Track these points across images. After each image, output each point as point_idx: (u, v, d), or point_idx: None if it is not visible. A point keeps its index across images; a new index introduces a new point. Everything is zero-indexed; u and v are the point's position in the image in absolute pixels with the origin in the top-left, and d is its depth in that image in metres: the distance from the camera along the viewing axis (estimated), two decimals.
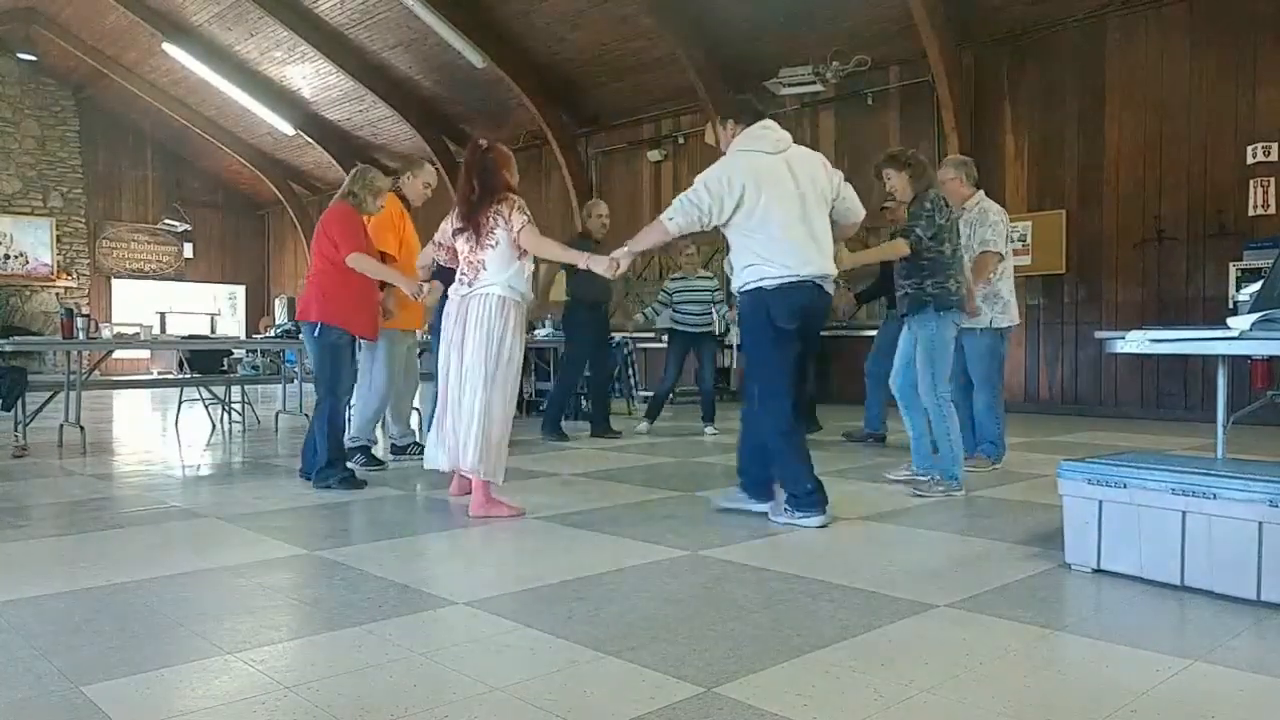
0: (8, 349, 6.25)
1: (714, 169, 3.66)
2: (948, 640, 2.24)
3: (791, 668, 2.03)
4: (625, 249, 3.79)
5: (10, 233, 16.86)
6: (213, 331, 12.59)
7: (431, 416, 4.42)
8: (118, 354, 14.26)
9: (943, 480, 4.28)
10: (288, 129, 15.41)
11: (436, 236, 4.23)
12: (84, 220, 17.72)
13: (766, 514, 3.71)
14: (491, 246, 4.00)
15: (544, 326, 8.88)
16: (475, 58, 11.62)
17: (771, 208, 3.56)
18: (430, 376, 4.84)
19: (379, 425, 5.52)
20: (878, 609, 2.47)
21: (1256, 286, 3.18)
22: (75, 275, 17.50)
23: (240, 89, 14.62)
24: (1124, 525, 2.73)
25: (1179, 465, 2.77)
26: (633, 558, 3.09)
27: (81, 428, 6.44)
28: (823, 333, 4.20)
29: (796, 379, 3.67)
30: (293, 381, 8.43)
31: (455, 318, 4.06)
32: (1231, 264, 7.86)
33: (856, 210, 3.86)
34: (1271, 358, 6.80)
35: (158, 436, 7.51)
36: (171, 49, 13.91)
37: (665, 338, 7.90)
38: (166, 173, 18.90)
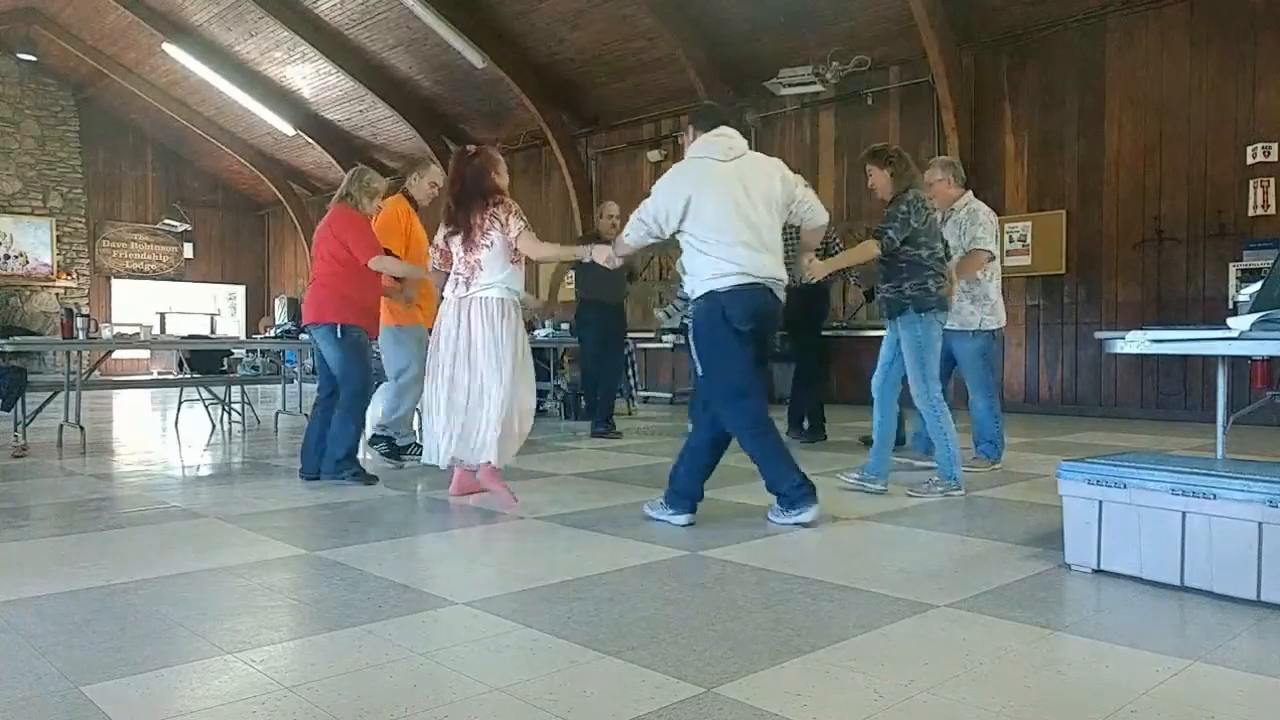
0: (8, 349, 6.26)
1: (661, 180, 3.77)
2: (948, 640, 2.24)
3: (791, 668, 2.03)
4: (608, 251, 3.99)
5: (10, 233, 16.85)
6: (212, 332, 12.59)
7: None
8: (118, 354, 14.26)
9: (942, 480, 4.28)
10: (288, 129, 15.41)
11: (435, 239, 4.30)
12: (84, 220, 17.71)
13: (691, 524, 3.67)
14: (487, 247, 4.13)
15: (543, 327, 8.88)
16: (475, 58, 11.62)
17: (719, 214, 3.60)
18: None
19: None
20: (878, 609, 2.47)
21: (1256, 287, 3.18)
22: (75, 275, 17.50)
23: (240, 89, 14.62)
24: (1124, 525, 2.73)
25: (1179, 465, 2.77)
26: (633, 558, 3.09)
27: (81, 428, 6.44)
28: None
29: (757, 379, 3.71)
30: (292, 381, 8.43)
31: (456, 320, 4.13)
32: (1231, 264, 7.86)
33: (817, 216, 3.86)
34: (1271, 358, 6.80)
35: (158, 436, 7.51)
36: (171, 49, 13.91)
37: (668, 339, 7.84)
38: (166, 173, 18.90)
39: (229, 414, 7.97)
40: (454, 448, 4.14)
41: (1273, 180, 7.73)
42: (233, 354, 9.09)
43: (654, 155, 12.07)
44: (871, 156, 4.40)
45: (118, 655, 2.12)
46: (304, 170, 17.75)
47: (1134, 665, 2.05)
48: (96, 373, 8.01)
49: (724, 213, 3.58)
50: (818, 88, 10.20)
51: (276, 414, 8.24)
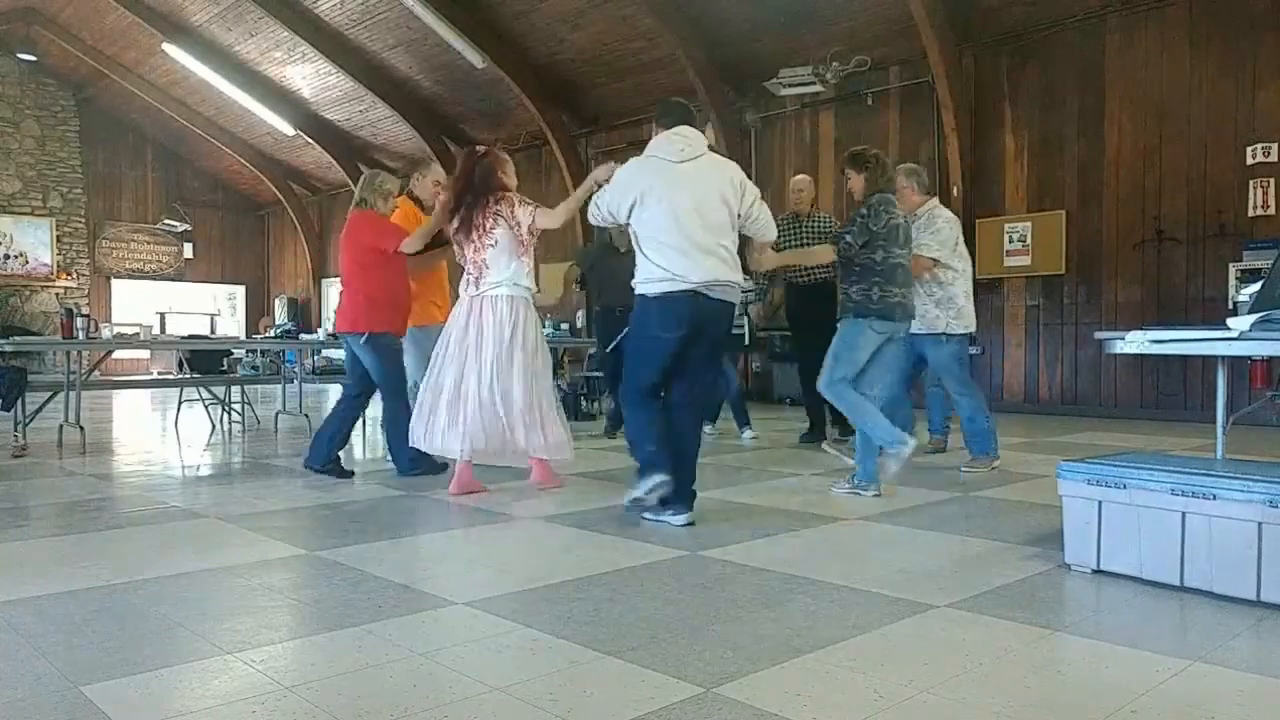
0: (8, 349, 6.26)
1: (618, 173, 3.81)
2: (948, 640, 2.24)
3: (791, 668, 2.03)
4: (607, 168, 3.97)
5: (10, 233, 16.86)
6: (212, 332, 12.60)
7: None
8: (117, 354, 14.26)
9: (846, 479, 4.38)
10: (288, 129, 15.41)
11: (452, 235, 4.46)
12: (84, 220, 17.72)
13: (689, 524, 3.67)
14: (491, 246, 4.24)
15: (543, 326, 8.88)
16: (475, 58, 11.62)
17: (657, 217, 3.63)
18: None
19: None
20: (878, 609, 2.47)
21: (1256, 287, 3.18)
22: (75, 275, 17.50)
23: (240, 89, 14.63)
24: (1124, 525, 2.73)
25: (1179, 465, 2.77)
26: (633, 558, 3.09)
27: (81, 428, 6.44)
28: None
29: (655, 386, 3.73)
30: (292, 381, 8.43)
31: (468, 318, 4.27)
32: (1231, 264, 7.86)
33: (766, 233, 3.90)
34: (1271, 358, 6.80)
35: (158, 436, 7.51)
36: (171, 49, 13.91)
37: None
38: (166, 173, 18.90)
39: (229, 414, 7.97)
40: (468, 444, 4.23)
41: (1273, 180, 7.73)
42: (233, 354, 9.10)
43: None
44: (850, 160, 4.45)
45: (118, 655, 2.12)
46: (304, 170, 17.75)
47: (1134, 665, 2.05)
48: (96, 373, 8.01)
49: (662, 216, 3.62)
50: (818, 88, 10.20)
51: (276, 414, 8.24)
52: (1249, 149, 7.81)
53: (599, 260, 6.70)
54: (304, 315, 18.49)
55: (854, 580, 2.76)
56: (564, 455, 4.47)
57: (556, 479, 4.57)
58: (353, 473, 4.98)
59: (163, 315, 10.25)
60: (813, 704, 1.82)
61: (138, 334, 7.91)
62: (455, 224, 4.30)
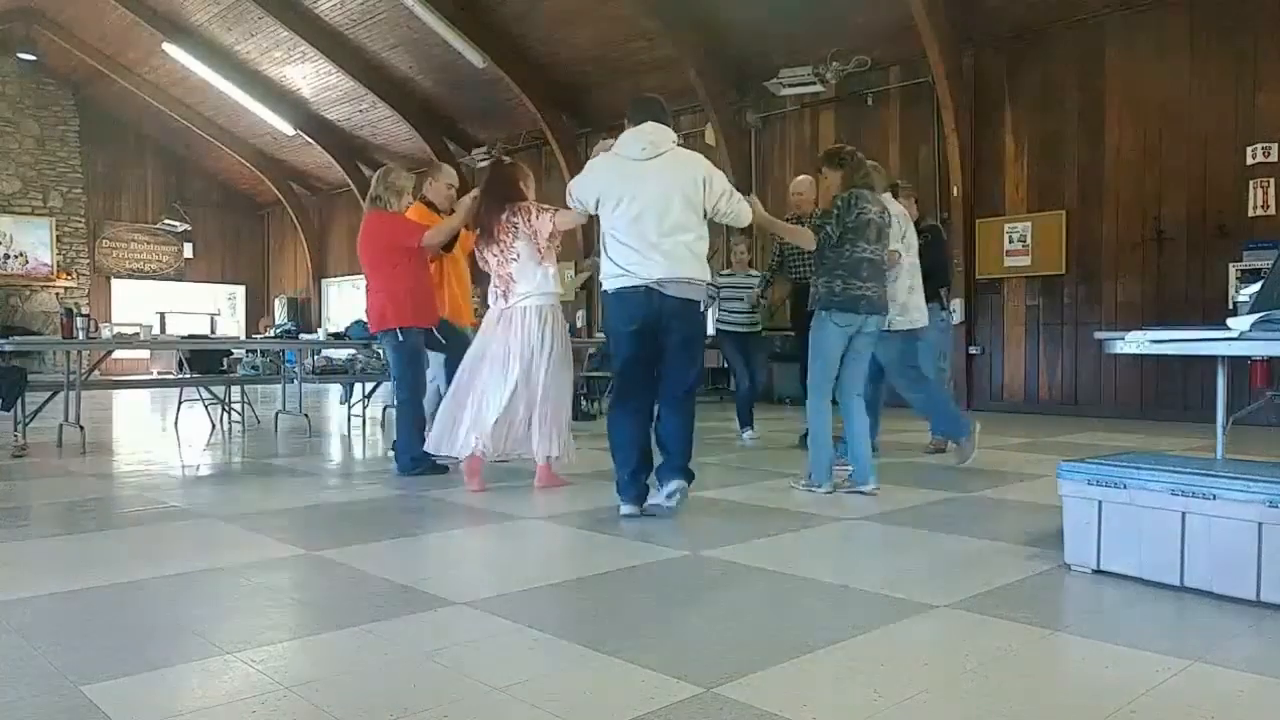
0: (8, 349, 6.26)
1: (583, 170, 3.95)
2: (948, 640, 2.24)
3: (791, 668, 2.03)
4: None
5: (10, 233, 16.86)
6: (212, 331, 12.59)
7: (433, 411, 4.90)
8: (117, 354, 14.23)
9: (805, 479, 4.39)
10: (288, 129, 15.42)
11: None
12: (84, 220, 17.73)
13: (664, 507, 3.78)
14: (514, 260, 4.36)
15: None
16: (475, 58, 11.62)
17: (615, 215, 3.73)
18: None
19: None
20: (878, 609, 2.47)
21: (1256, 287, 3.18)
22: (75, 275, 17.51)
23: (240, 89, 14.63)
24: (1124, 526, 2.73)
25: (1178, 466, 2.77)
26: (633, 558, 3.09)
27: (81, 427, 6.44)
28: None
29: (640, 378, 3.82)
30: (293, 381, 8.43)
31: (499, 329, 4.39)
32: (1231, 264, 7.86)
33: (740, 219, 3.95)
34: (1271, 358, 6.80)
35: (158, 436, 7.51)
36: (171, 49, 13.91)
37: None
38: (166, 173, 18.90)
39: (229, 414, 7.97)
40: (499, 445, 4.34)
41: (1273, 180, 7.73)
42: (232, 354, 9.09)
43: None
44: (825, 159, 4.49)
45: (118, 655, 2.12)
46: (304, 170, 17.75)
47: (1134, 665, 2.05)
48: (96, 373, 8.00)
49: (620, 215, 3.72)
50: (818, 88, 10.21)
51: (276, 414, 8.23)
52: (1249, 149, 7.81)
53: None
54: (304, 315, 18.48)
55: (854, 580, 2.76)
56: (570, 458, 4.55)
57: (562, 478, 4.60)
58: (446, 468, 4.88)
59: (163, 315, 10.23)
60: (813, 704, 1.82)
61: (138, 334, 7.90)
62: (477, 232, 4.46)
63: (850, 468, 4.34)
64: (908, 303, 5.01)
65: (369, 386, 8.77)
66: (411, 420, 4.94)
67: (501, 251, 4.34)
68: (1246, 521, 2.48)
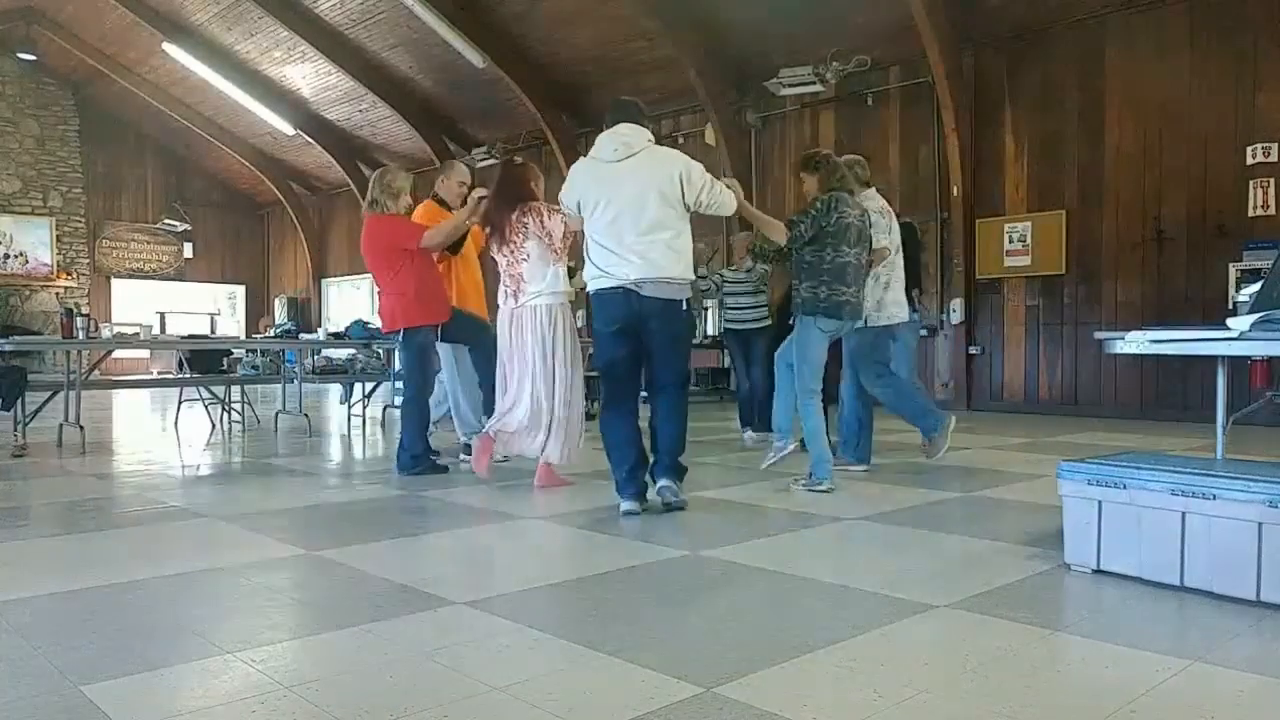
0: (8, 349, 6.25)
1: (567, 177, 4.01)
2: (948, 640, 2.24)
3: (791, 668, 2.03)
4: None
5: (10, 232, 16.86)
6: (212, 331, 12.58)
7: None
8: (117, 354, 14.24)
9: (805, 479, 4.39)
10: (288, 129, 15.41)
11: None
12: (84, 220, 17.72)
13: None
14: (525, 260, 4.38)
15: None
16: (475, 58, 11.62)
17: (599, 214, 3.76)
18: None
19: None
20: (878, 609, 2.47)
21: (1256, 287, 3.18)
22: (75, 275, 17.50)
23: (240, 89, 14.63)
24: (1124, 526, 2.73)
25: (1179, 466, 2.77)
26: (633, 558, 3.09)
27: (81, 427, 6.44)
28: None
29: (625, 378, 3.86)
30: (292, 381, 8.43)
31: (510, 329, 4.44)
32: (1231, 264, 7.86)
33: (723, 209, 3.94)
34: (1271, 358, 6.80)
35: (157, 436, 7.51)
36: (171, 49, 13.91)
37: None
38: (166, 173, 18.90)
39: (229, 414, 7.97)
40: (542, 447, 4.39)
41: (1273, 180, 7.73)
42: (232, 354, 9.09)
43: None
44: (802, 164, 4.50)
45: (118, 655, 2.12)
46: (304, 170, 17.75)
47: (1134, 665, 2.05)
48: (96, 372, 8.00)
49: (598, 216, 3.76)
50: (818, 88, 10.20)
51: (276, 414, 8.23)
52: (1249, 149, 7.81)
53: None
54: (304, 315, 18.48)
55: (854, 580, 2.76)
56: (574, 459, 4.55)
57: (563, 478, 4.60)
58: (446, 467, 5.03)
59: (163, 315, 10.23)
60: (813, 704, 1.82)
61: (138, 334, 7.91)
62: (488, 231, 4.49)
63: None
64: (883, 298, 4.93)
65: (369, 386, 8.77)
66: (416, 419, 4.97)
67: (512, 252, 4.36)
68: (1246, 521, 2.48)
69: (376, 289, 5.21)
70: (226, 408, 7.96)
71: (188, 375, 8.15)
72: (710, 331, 10.65)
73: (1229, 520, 2.52)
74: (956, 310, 9.61)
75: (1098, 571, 2.79)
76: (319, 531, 3.61)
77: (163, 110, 16.49)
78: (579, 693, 1.90)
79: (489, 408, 4.95)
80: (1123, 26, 8.54)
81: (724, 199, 3.87)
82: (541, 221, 4.29)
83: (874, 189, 5.09)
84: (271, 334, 11.73)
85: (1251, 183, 7.83)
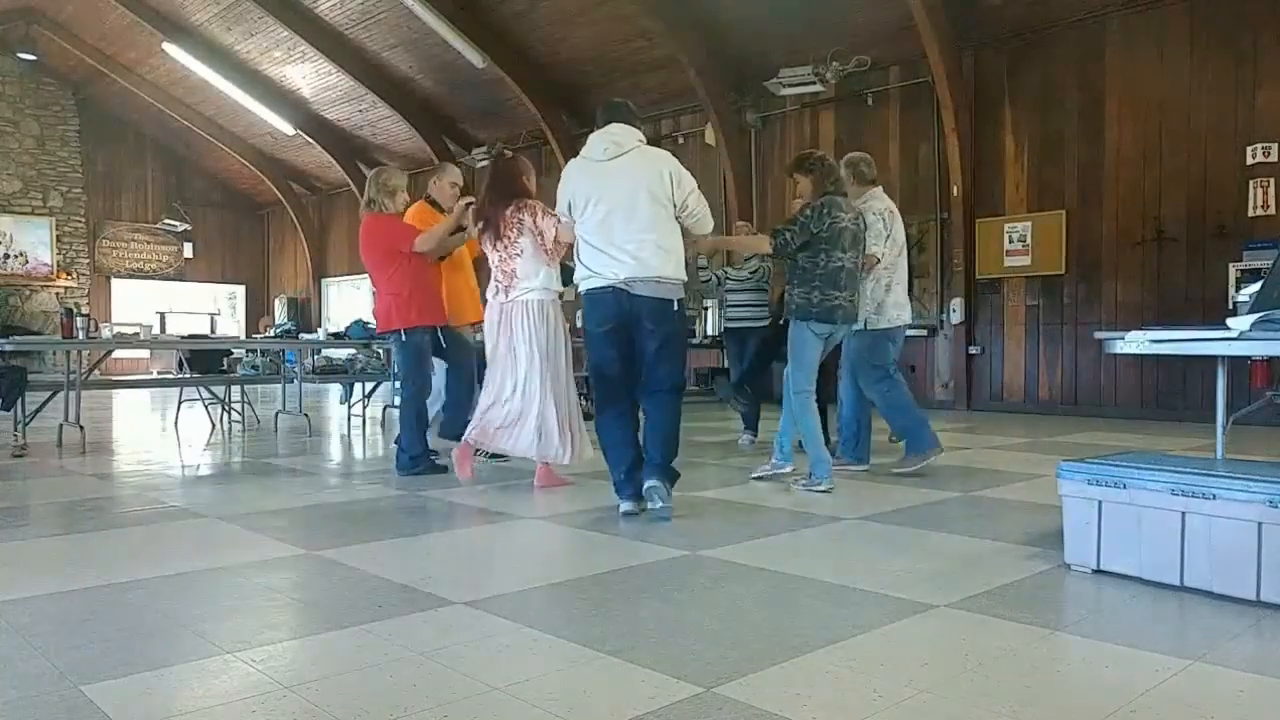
0: (8, 349, 6.26)
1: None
2: (948, 640, 2.24)
3: (791, 668, 2.03)
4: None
5: (10, 232, 16.85)
6: (212, 331, 12.58)
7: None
8: (117, 354, 14.26)
9: (805, 478, 4.40)
10: (288, 129, 15.41)
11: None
12: (84, 220, 17.72)
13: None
14: (518, 256, 4.35)
15: None
16: (475, 58, 11.62)
17: (590, 214, 3.75)
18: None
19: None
20: (878, 609, 2.47)
21: (1256, 287, 3.18)
22: (75, 275, 17.50)
23: (240, 89, 14.63)
24: (1124, 525, 2.73)
25: (1178, 465, 2.77)
26: (632, 558, 3.09)
27: (81, 427, 6.44)
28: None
29: (617, 379, 3.82)
30: (292, 381, 8.43)
31: (500, 324, 4.39)
32: (1231, 264, 7.86)
33: (701, 226, 3.90)
34: (1271, 358, 6.80)
35: (157, 436, 7.51)
36: (171, 49, 13.91)
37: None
38: (166, 173, 18.90)
39: (229, 414, 7.97)
40: (530, 446, 4.35)
41: (1273, 180, 7.73)
42: (232, 354, 9.09)
43: None
44: (795, 165, 4.49)
45: (118, 655, 2.12)
46: (304, 170, 17.75)
47: (1134, 665, 2.05)
48: (96, 372, 8.00)
49: (589, 216, 3.75)
50: (818, 88, 10.20)
51: (276, 414, 8.23)
52: (1249, 149, 7.81)
53: None
54: (304, 315, 18.48)
55: (854, 580, 2.76)
56: (583, 458, 4.51)
57: (563, 478, 4.59)
58: (445, 467, 4.94)
59: (163, 315, 10.24)
60: (813, 704, 1.82)
61: (138, 334, 7.90)
62: (480, 227, 4.44)
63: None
64: (884, 301, 4.84)
65: (369, 386, 8.77)
66: (414, 419, 4.95)
67: (506, 247, 4.33)
68: (1246, 521, 2.48)
69: (372, 289, 5.19)
70: (226, 408, 7.96)
71: (188, 375, 8.15)
72: (710, 331, 10.64)
73: (1229, 520, 2.52)
74: (956, 310, 9.61)
75: (1098, 571, 2.80)
76: (319, 531, 3.61)
77: (163, 110, 16.49)
78: (579, 693, 1.90)
79: (449, 429, 4.92)
80: (1123, 26, 8.54)
81: (703, 213, 3.86)
82: (535, 220, 4.26)
83: (880, 188, 5.03)
84: (271, 334, 11.73)
85: (1251, 182, 7.83)
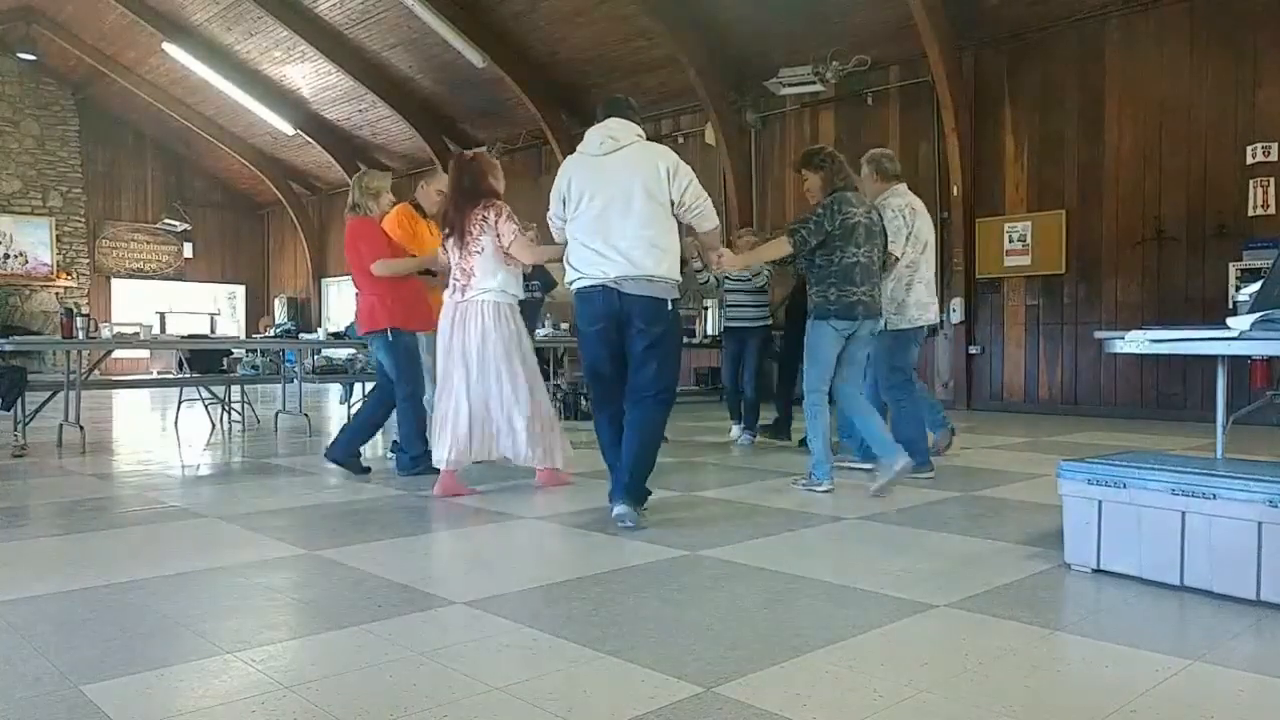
0: (8, 349, 6.26)
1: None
2: (948, 640, 2.24)
3: (791, 668, 2.03)
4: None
5: (10, 232, 16.85)
6: (212, 331, 12.58)
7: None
8: (117, 354, 14.25)
9: (805, 478, 4.40)
10: (288, 129, 15.41)
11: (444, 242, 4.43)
12: (84, 220, 17.72)
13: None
14: (477, 253, 4.24)
15: (543, 326, 8.89)
16: (475, 58, 11.62)
17: (584, 208, 3.64)
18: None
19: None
20: (878, 609, 2.47)
21: (1256, 286, 3.18)
22: (75, 275, 17.50)
23: (240, 89, 14.63)
24: (1124, 525, 2.73)
25: (1178, 465, 2.77)
26: (633, 558, 3.09)
27: (81, 427, 6.44)
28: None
29: (610, 380, 3.71)
30: (292, 381, 8.43)
31: (453, 324, 4.27)
32: (1231, 264, 7.86)
33: (704, 222, 3.75)
34: (1271, 358, 6.80)
35: (157, 436, 7.51)
36: (171, 49, 13.91)
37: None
38: (166, 172, 18.90)
39: (229, 414, 7.97)
40: (468, 450, 4.27)
41: (1273, 180, 7.73)
42: (232, 354, 9.09)
43: None
44: (804, 161, 4.42)
45: (118, 655, 2.12)
46: (304, 170, 17.75)
47: (1134, 665, 2.05)
48: (96, 372, 8.00)
49: (583, 211, 3.65)
50: (818, 87, 10.20)
51: (276, 414, 8.24)
52: (1249, 149, 7.81)
53: None
54: (304, 315, 18.48)
55: (854, 580, 2.76)
56: (559, 461, 4.48)
57: (564, 477, 4.57)
58: (369, 469, 5.04)
59: (163, 315, 10.23)
60: (813, 704, 1.82)
61: (138, 334, 7.90)
62: (446, 230, 4.32)
63: (866, 465, 4.35)
64: (905, 300, 4.79)
65: (369, 386, 8.76)
66: (413, 419, 4.93)
67: (467, 245, 4.22)
68: (1246, 521, 2.48)
69: (355, 290, 5.08)
70: (226, 408, 7.96)
71: (188, 375, 8.15)
72: (710, 331, 10.65)
73: (1229, 520, 2.52)
74: (956, 310, 9.61)
75: (1098, 571, 2.80)
76: (319, 531, 3.61)
77: (163, 110, 16.49)
78: (579, 693, 1.90)
79: (415, 443, 4.82)
80: (1123, 26, 8.54)
81: (705, 208, 3.72)
82: (498, 221, 4.17)
83: (903, 184, 4.93)
84: (271, 334, 11.73)
85: (1251, 182, 7.82)
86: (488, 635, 2.27)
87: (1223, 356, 3.23)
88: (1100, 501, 2.78)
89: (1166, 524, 2.64)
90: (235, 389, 8.20)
